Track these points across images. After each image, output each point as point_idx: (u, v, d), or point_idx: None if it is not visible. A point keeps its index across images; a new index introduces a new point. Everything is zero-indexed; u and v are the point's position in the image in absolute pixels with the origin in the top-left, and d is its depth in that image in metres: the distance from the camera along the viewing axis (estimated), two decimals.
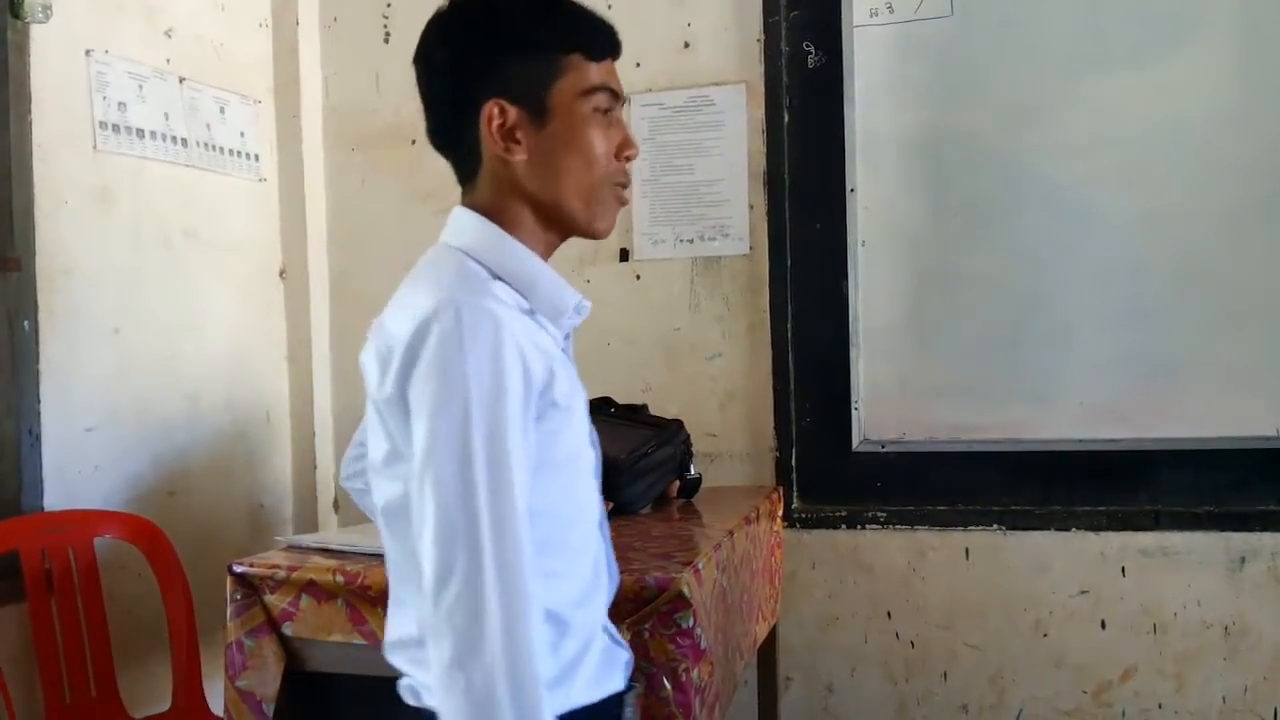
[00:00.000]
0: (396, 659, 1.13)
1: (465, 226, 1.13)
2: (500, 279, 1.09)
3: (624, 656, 1.19)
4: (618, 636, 1.19)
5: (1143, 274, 2.32)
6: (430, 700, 1.03)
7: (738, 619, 1.79)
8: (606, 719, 1.15)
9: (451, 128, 1.13)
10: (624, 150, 1.15)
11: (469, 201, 1.14)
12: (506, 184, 1.12)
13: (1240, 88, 2.26)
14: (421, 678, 1.07)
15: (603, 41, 1.14)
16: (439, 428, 0.98)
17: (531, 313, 1.10)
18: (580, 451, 1.13)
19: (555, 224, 1.14)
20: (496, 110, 1.09)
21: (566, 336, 1.18)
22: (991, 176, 2.39)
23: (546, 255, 1.16)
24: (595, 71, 1.12)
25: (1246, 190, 2.26)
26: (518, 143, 1.10)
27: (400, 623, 1.12)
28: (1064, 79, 2.34)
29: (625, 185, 1.16)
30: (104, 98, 2.19)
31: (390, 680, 1.12)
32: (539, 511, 1.02)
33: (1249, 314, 2.27)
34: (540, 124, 1.10)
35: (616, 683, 1.16)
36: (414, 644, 1.07)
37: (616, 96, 1.15)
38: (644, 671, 1.41)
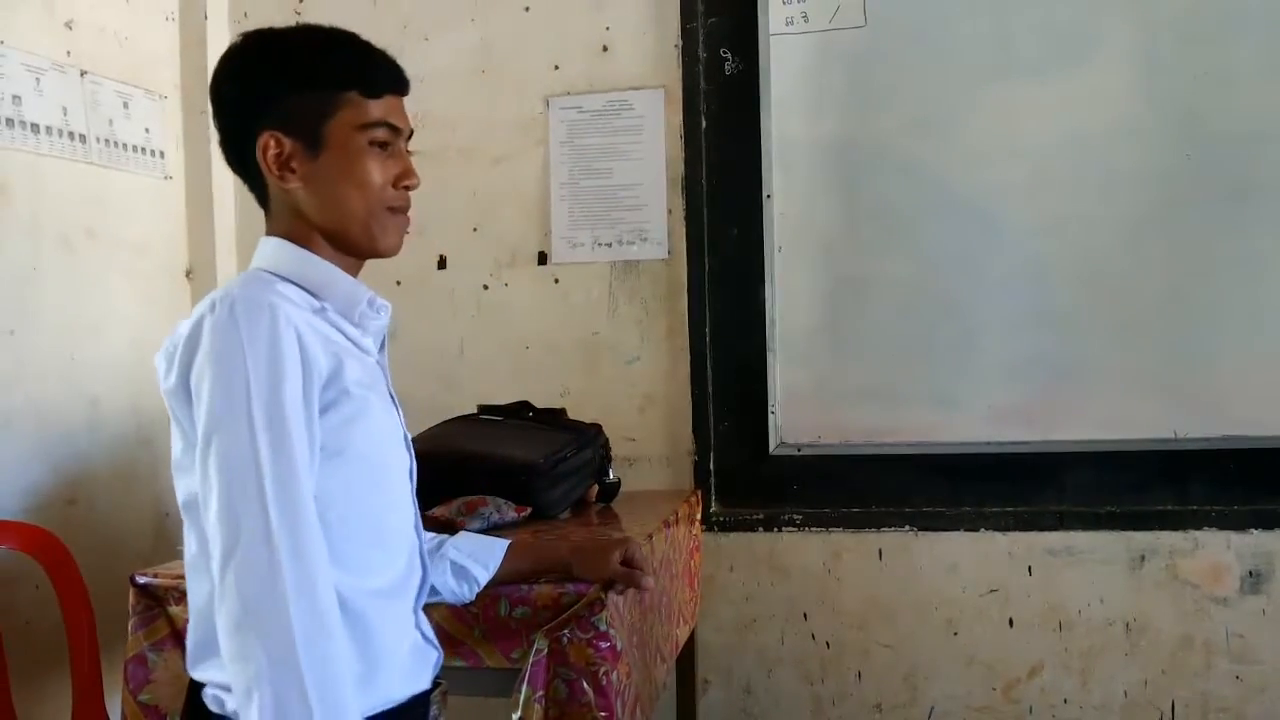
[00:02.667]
0: (199, 671, 1.14)
1: (267, 250, 1.22)
2: (295, 284, 1.18)
3: (434, 656, 1.26)
4: (430, 636, 1.26)
5: (1047, 281, 2.38)
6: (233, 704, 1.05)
7: (656, 622, 1.79)
8: (414, 718, 1.19)
9: (239, 157, 1.22)
10: (402, 180, 1.22)
11: (270, 230, 1.24)
12: (292, 210, 1.21)
13: (1139, 100, 2.34)
14: (223, 679, 1.08)
15: (383, 80, 1.22)
16: (218, 405, 1.04)
17: (323, 310, 1.18)
18: (383, 446, 1.20)
19: (342, 246, 1.22)
20: (272, 142, 1.17)
21: (381, 349, 1.26)
22: (903, 184, 2.43)
23: (348, 273, 1.23)
24: (373, 108, 1.20)
25: (1145, 200, 2.34)
26: (292, 171, 1.18)
27: (200, 626, 1.13)
28: (972, 89, 2.40)
29: (403, 209, 1.24)
30: None
31: None
32: (333, 495, 1.09)
33: (1148, 320, 2.34)
34: (314, 155, 1.18)
35: (423, 681, 1.22)
36: (216, 646, 1.05)
37: (397, 131, 1.22)
38: (564, 678, 1.40)
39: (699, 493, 2.43)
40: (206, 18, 2.61)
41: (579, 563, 1.50)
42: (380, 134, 1.20)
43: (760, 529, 2.46)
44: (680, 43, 2.48)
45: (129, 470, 2.43)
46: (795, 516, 2.45)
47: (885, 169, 2.44)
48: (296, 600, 0.99)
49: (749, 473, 2.47)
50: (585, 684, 1.39)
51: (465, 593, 1.43)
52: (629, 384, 2.53)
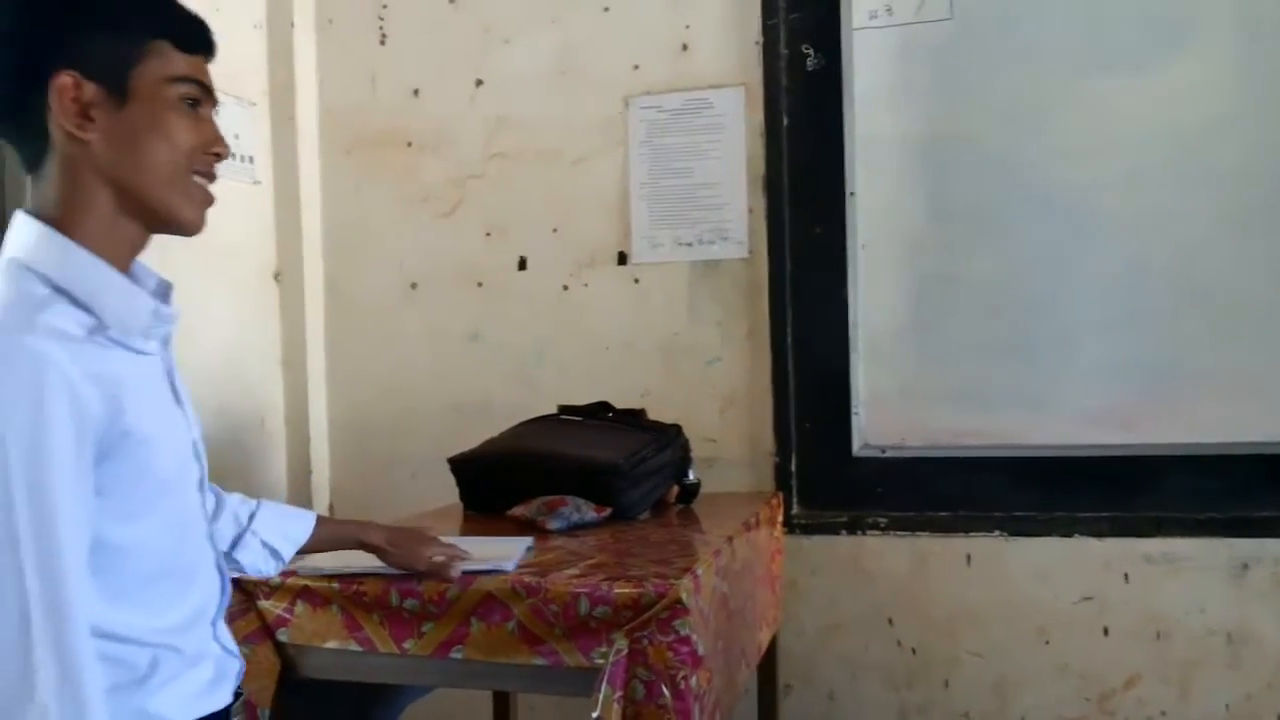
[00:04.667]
0: None
1: (25, 235, 1.05)
2: (64, 292, 1.02)
3: (236, 666, 1.21)
4: (231, 646, 1.21)
5: (1143, 279, 2.30)
6: None
7: (741, 626, 1.77)
8: None
9: (16, 102, 1.05)
10: (212, 147, 1.13)
11: (35, 202, 1.07)
12: (82, 168, 1.05)
13: (1239, 91, 2.25)
14: None
15: (195, 35, 1.13)
16: None
17: (99, 330, 1.03)
18: (172, 478, 1.10)
19: (136, 212, 1.09)
20: (71, 81, 1.03)
21: (166, 343, 1.18)
22: (992, 180, 2.37)
23: (128, 254, 1.11)
24: (184, 62, 1.10)
25: (1245, 194, 2.24)
26: (91, 120, 1.04)
27: None
28: (1064, 82, 2.33)
29: (210, 178, 1.15)
30: None
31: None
32: (130, 548, 1.03)
33: (1249, 319, 2.25)
34: (119, 104, 1.05)
35: (225, 696, 1.18)
36: None
37: (208, 92, 1.14)
38: (643, 679, 1.39)
39: (780, 495, 2.40)
40: (293, 25, 2.66)
41: (392, 552, 1.53)
42: (191, 90, 1.10)
43: (843, 532, 2.43)
44: (761, 40, 2.46)
45: (219, 471, 2.45)
46: (880, 520, 2.41)
47: (973, 165, 2.38)
48: (62, 699, 0.92)
49: (831, 475, 2.43)
50: (664, 687, 1.38)
51: (269, 570, 1.47)
52: (709, 385, 2.51)
